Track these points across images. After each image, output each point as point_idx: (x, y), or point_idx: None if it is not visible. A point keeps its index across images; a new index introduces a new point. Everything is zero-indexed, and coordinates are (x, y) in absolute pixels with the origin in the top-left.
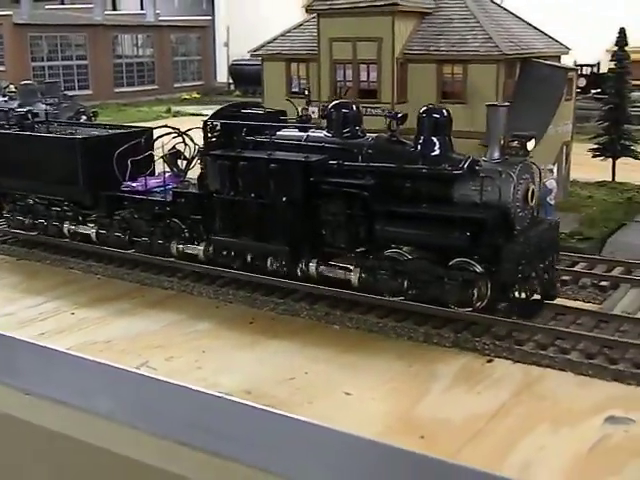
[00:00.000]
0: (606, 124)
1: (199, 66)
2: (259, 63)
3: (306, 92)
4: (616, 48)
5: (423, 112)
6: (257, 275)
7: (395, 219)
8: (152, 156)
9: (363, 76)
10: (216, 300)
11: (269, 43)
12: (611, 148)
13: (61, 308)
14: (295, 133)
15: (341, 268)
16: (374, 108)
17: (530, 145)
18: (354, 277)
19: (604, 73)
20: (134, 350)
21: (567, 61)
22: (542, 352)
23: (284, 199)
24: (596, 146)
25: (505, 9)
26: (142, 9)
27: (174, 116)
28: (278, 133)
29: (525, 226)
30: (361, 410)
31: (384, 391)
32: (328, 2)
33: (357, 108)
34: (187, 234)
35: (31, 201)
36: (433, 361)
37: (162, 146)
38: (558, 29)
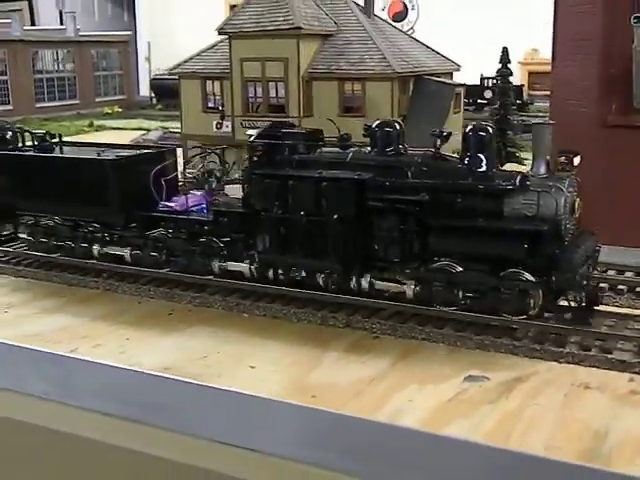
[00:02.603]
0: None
1: (121, 80)
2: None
3: (220, 108)
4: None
5: (469, 130)
6: (307, 291)
7: (449, 233)
8: (177, 175)
9: (272, 93)
10: (138, 297)
11: (185, 62)
12: (497, 155)
13: None
14: (337, 151)
15: (395, 281)
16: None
17: (576, 161)
18: (409, 290)
19: (515, 85)
20: (63, 340)
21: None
22: (419, 327)
23: (335, 216)
24: None
25: (401, 31)
26: (62, 24)
27: (96, 130)
28: (321, 152)
29: (571, 237)
30: (263, 379)
31: (284, 364)
32: (238, 25)
33: (400, 127)
34: (225, 252)
35: (52, 223)
36: (327, 339)
37: (193, 165)
38: (475, 45)
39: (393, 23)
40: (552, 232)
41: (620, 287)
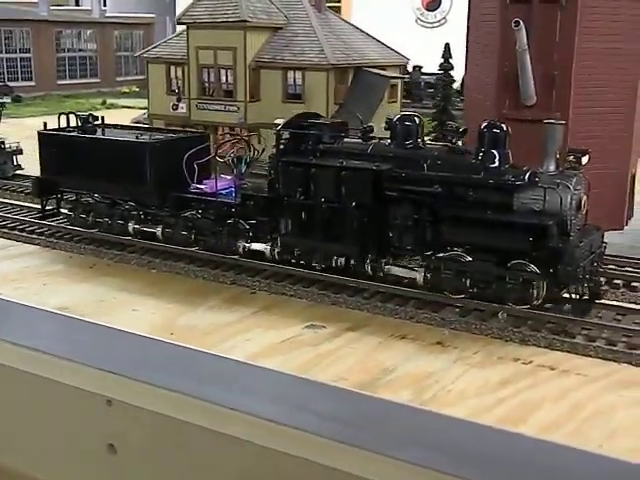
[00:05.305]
0: (435, 123)
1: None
2: None
3: (176, 90)
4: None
5: (484, 127)
6: (324, 274)
7: (461, 224)
8: (210, 159)
9: (223, 79)
10: (70, 252)
11: (154, 48)
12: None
13: None
14: (359, 143)
15: (407, 268)
16: (231, 106)
17: (584, 160)
18: (419, 276)
19: None
20: None
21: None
22: (290, 286)
23: (354, 204)
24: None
25: (355, 26)
26: (105, 5)
27: (107, 108)
28: (343, 142)
29: (577, 232)
30: (139, 319)
31: (163, 309)
32: (194, 16)
33: (420, 121)
34: (251, 234)
35: (91, 200)
36: (212, 292)
37: (222, 150)
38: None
39: (344, 18)
40: (557, 227)
41: None
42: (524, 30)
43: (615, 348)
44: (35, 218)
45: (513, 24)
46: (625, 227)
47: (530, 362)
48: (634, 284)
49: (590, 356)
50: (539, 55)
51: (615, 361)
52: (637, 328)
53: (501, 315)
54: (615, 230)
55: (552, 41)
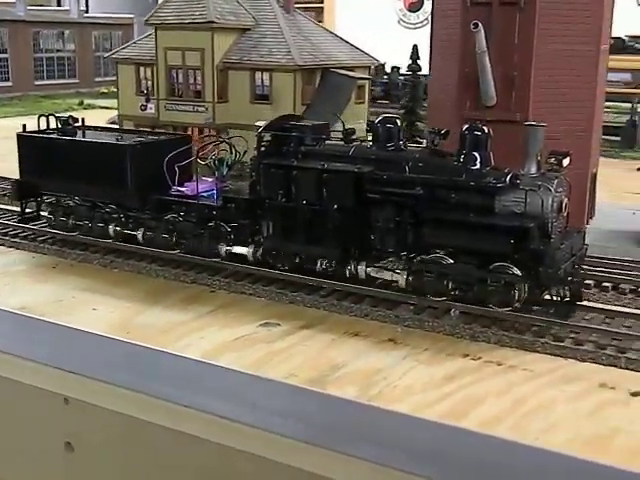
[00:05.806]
0: (404, 123)
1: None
2: None
3: (144, 91)
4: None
5: (466, 129)
6: (306, 277)
7: (442, 226)
8: (191, 162)
9: (191, 79)
10: (34, 252)
11: (123, 49)
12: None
13: None
14: (341, 145)
15: (389, 270)
16: (199, 106)
17: (565, 162)
18: (402, 279)
19: None
20: None
21: None
22: (249, 284)
23: (336, 206)
24: None
25: (323, 27)
26: (87, 6)
27: (85, 109)
28: (325, 144)
29: (558, 234)
30: (98, 318)
31: (121, 308)
32: (162, 17)
33: (401, 123)
34: (232, 237)
35: (72, 203)
36: (172, 291)
37: (204, 152)
38: None
39: (312, 20)
40: (538, 229)
41: None
42: (483, 32)
43: (562, 344)
44: (15, 221)
45: (472, 26)
46: (586, 226)
47: (479, 358)
48: (587, 282)
49: (538, 352)
50: (499, 56)
51: (562, 357)
52: (585, 325)
53: (453, 312)
54: None
55: (511, 43)
